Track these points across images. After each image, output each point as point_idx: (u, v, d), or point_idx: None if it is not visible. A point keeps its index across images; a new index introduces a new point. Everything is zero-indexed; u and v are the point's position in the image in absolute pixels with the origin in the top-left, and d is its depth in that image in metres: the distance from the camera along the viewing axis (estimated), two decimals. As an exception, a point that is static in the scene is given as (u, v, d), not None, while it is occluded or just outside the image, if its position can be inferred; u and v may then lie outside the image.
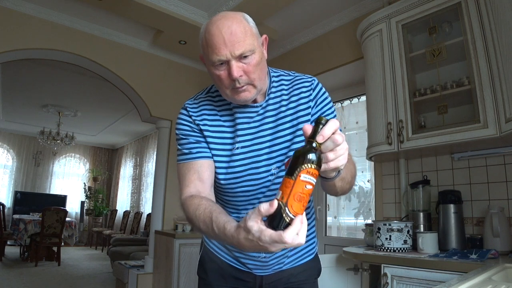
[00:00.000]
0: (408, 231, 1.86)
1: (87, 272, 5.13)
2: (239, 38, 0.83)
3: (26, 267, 5.26)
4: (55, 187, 8.72)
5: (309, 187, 0.63)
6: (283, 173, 0.87)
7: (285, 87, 1.00)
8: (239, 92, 0.89)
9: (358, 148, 2.94)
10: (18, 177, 8.18)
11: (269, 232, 0.63)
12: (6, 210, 6.99)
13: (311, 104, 0.98)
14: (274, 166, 0.96)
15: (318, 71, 3.09)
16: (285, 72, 1.05)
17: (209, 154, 0.98)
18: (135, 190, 7.77)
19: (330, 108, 1.01)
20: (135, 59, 3.62)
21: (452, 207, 1.92)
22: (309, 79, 1.02)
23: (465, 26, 1.87)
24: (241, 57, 0.85)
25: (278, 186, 0.89)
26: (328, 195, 3.19)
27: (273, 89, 1.00)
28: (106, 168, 9.59)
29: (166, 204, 3.69)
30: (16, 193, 7.92)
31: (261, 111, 0.98)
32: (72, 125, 7.18)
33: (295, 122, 0.96)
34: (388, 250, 1.84)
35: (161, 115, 3.76)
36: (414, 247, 1.88)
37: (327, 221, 3.15)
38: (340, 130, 0.70)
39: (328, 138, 0.66)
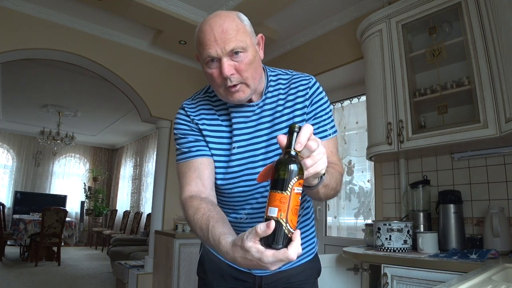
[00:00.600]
0: (408, 231, 1.86)
1: (87, 272, 5.13)
2: (230, 35, 0.83)
3: (26, 267, 5.26)
4: (55, 187, 8.72)
5: (300, 198, 0.63)
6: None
7: (283, 86, 1.00)
8: (233, 93, 0.87)
9: (358, 148, 2.94)
10: (18, 177, 8.18)
11: (271, 253, 0.61)
12: (6, 210, 6.98)
13: (307, 103, 0.97)
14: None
15: (318, 71, 3.09)
16: (283, 71, 1.04)
17: (209, 153, 0.97)
18: (135, 190, 7.77)
19: (324, 109, 0.99)
20: (135, 59, 3.62)
21: (452, 207, 1.92)
22: (307, 78, 1.01)
23: (465, 26, 1.87)
24: (233, 55, 0.84)
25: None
26: (328, 195, 3.18)
27: (270, 88, 0.99)
28: (106, 168, 9.59)
29: (166, 204, 3.69)
30: (16, 193, 7.92)
31: (258, 111, 0.97)
32: (72, 125, 7.18)
33: (291, 122, 0.95)
34: (388, 250, 1.84)
35: (161, 115, 3.76)
36: (414, 247, 1.88)
37: (327, 221, 3.15)
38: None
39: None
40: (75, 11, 3.14)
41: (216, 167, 0.97)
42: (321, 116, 0.98)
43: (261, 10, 2.83)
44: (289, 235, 0.61)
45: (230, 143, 0.97)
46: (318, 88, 1.00)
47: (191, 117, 0.99)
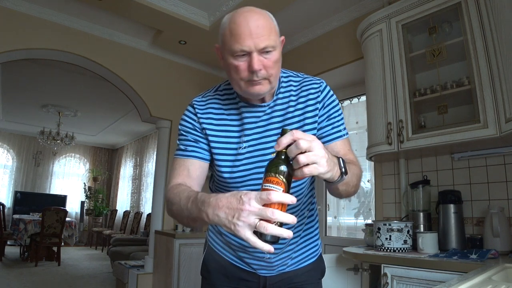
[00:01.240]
0: (408, 231, 1.86)
1: (87, 272, 5.13)
2: (264, 32, 0.84)
3: (26, 267, 5.26)
4: (55, 187, 8.72)
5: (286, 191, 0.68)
6: None
7: (294, 88, 1.01)
8: (254, 85, 0.88)
9: (358, 148, 2.94)
10: (18, 177, 8.18)
11: (257, 208, 0.65)
12: (6, 210, 6.98)
13: (319, 106, 0.99)
14: None
15: (318, 71, 3.09)
16: (294, 74, 1.05)
17: (204, 155, 0.99)
18: (135, 190, 7.77)
19: (337, 111, 1.02)
20: (135, 59, 3.62)
21: (452, 207, 1.92)
22: (318, 81, 1.03)
23: (465, 26, 1.87)
24: (263, 52, 0.85)
25: None
26: (328, 195, 3.19)
27: (282, 89, 1.00)
28: (106, 168, 9.59)
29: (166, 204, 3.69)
30: (16, 193, 7.92)
31: (269, 111, 0.98)
32: (72, 125, 7.18)
33: (301, 124, 0.97)
34: (388, 250, 1.84)
35: (161, 115, 3.76)
36: (414, 247, 1.88)
37: (327, 221, 3.15)
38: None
39: (290, 144, 0.69)
40: (75, 11, 3.14)
41: (221, 166, 0.98)
42: (334, 117, 1.00)
43: (261, 10, 2.83)
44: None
45: (237, 142, 0.98)
46: (329, 91, 1.03)
47: (198, 115, 1.00)
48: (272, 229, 0.65)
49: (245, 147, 0.97)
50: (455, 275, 1.41)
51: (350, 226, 2.98)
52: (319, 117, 0.99)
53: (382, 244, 1.89)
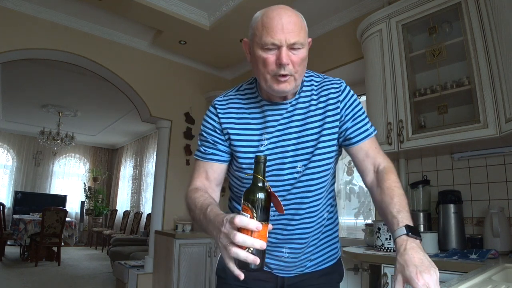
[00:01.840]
0: (408, 231, 1.85)
1: (87, 272, 5.13)
2: (296, 28, 0.87)
3: (26, 267, 5.26)
4: (55, 187, 8.71)
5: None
6: (308, 171, 0.97)
7: (315, 87, 1.03)
8: (280, 82, 0.90)
9: (358, 148, 2.93)
10: (18, 177, 8.18)
11: (242, 236, 0.69)
12: (6, 210, 6.98)
13: (340, 105, 1.00)
14: (300, 164, 0.97)
15: (318, 71, 3.07)
16: (315, 74, 1.07)
17: (222, 157, 1.02)
18: (135, 190, 7.77)
19: (360, 109, 1.03)
20: (135, 59, 3.62)
21: (452, 207, 1.92)
22: (338, 81, 1.04)
23: (465, 26, 1.87)
24: (292, 47, 0.87)
25: (302, 184, 0.97)
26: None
27: (304, 88, 1.02)
28: (106, 168, 9.59)
29: (166, 204, 3.69)
30: (16, 193, 7.92)
31: (290, 109, 0.99)
32: (72, 125, 7.18)
33: (321, 123, 0.98)
34: (388, 250, 1.84)
35: (161, 115, 3.76)
36: (414, 247, 1.87)
37: (327, 221, 3.14)
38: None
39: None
40: (75, 11, 3.14)
41: (244, 163, 1.00)
42: (359, 116, 1.02)
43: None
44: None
45: (258, 140, 0.99)
46: (349, 91, 1.04)
47: (220, 115, 1.02)
48: (236, 253, 0.68)
49: (266, 144, 0.98)
50: (455, 275, 1.41)
51: (350, 226, 2.98)
52: (342, 117, 1.00)
53: (382, 244, 1.88)
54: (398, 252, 0.72)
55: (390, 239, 1.85)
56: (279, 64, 0.87)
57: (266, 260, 1.02)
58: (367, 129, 1.02)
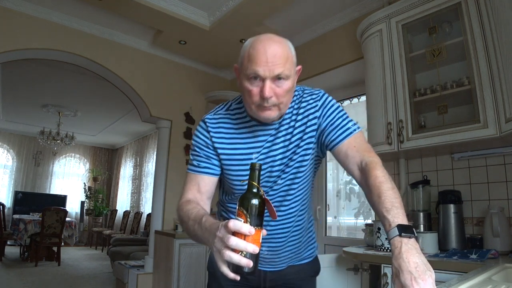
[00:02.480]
0: (408, 231, 1.85)
1: (87, 272, 5.13)
2: (280, 61, 0.90)
3: (26, 267, 5.26)
4: (55, 187, 8.71)
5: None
6: (288, 178, 1.04)
7: (296, 102, 1.06)
8: (264, 110, 0.94)
9: (358, 148, 2.93)
10: (18, 177, 8.18)
11: (235, 239, 0.71)
12: (6, 210, 6.98)
13: (317, 114, 1.03)
14: (282, 174, 1.04)
15: (318, 71, 3.09)
16: (297, 87, 1.09)
17: (214, 171, 1.07)
18: (135, 190, 7.77)
19: (338, 113, 1.04)
20: (135, 59, 3.62)
21: (452, 207, 1.92)
22: (316, 92, 1.08)
23: (465, 26, 1.87)
24: (276, 79, 0.90)
25: (282, 190, 1.06)
26: (328, 195, 3.19)
27: (288, 106, 1.05)
28: (106, 168, 9.59)
29: (166, 204, 3.69)
30: (16, 193, 7.92)
31: (277, 126, 1.05)
32: (72, 125, 7.18)
33: (303, 134, 1.03)
34: (388, 250, 1.84)
35: (161, 115, 3.76)
36: (414, 247, 1.87)
37: (327, 221, 3.15)
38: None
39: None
40: (75, 11, 3.14)
41: (234, 180, 1.06)
42: (337, 120, 1.03)
43: (261, 10, 2.83)
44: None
45: (248, 159, 1.04)
46: (327, 98, 1.06)
47: (211, 133, 1.06)
48: (229, 256, 0.70)
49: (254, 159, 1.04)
50: (455, 275, 1.41)
51: (350, 226, 2.98)
52: (321, 125, 1.03)
53: (382, 244, 1.89)
54: (393, 255, 0.71)
55: (390, 239, 1.85)
56: (262, 97, 0.90)
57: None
58: (349, 128, 1.02)
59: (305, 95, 1.07)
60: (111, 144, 9.55)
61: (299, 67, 1.01)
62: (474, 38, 1.83)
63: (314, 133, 1.03)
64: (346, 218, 3.02)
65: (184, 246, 3.25)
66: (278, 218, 1.06)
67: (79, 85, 5.07)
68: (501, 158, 1.93)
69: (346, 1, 2.79)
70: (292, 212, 1.09)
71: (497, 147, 1.90)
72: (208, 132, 1.06)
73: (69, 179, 8.98)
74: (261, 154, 1.03)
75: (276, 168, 1.03)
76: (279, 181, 1.05)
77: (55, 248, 5.86)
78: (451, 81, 1.98)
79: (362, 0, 2.75)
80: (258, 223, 0.73)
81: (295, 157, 1.03)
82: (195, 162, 1.07)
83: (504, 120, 1.65)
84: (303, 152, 1.03)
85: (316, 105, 1.04)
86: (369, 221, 2.60)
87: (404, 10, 2.17)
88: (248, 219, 0.72)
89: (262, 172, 1.02)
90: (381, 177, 0.86)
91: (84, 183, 8.96)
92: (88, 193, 8.74)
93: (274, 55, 0.89)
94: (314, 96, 1.06)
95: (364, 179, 0.91)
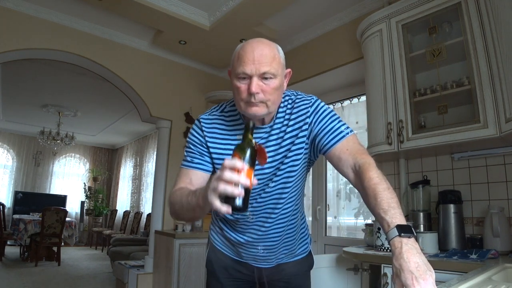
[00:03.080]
0: (408, 231, 1.85)
1: (87, 272, 5.13)
2: (267, 60, 0.95)
3: (26, 267, 5.26)
4: (55, 187, 8.71)
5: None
6: (281, 181, 1.08)
7: (289, 106, 1.10)
8: (252, 106, 0.98)
9: (358, 148, 2.93)
10: (18, 177, 8.18)
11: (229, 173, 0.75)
12: (6, 210, 6.98)
13: (308, 120, 1.06)
14: (274, 177, 1.08)
15: (318, 71, 3.09)
16: (290, 92, 1.14)
17: (207, 168, 1.11)
18: (135, 190, 7.77)
19: (330, 118, 1.06)
20: (135, 59, 3.62)
21: (452, 207, 1.92)
22: (308, 98, 1.10)
23: (465, 26, 1.87)
24: (263, 77, 0.95)
25: (272, 188, 1.10)
26: (328, 195, 3.19)
27: (280, 110, 1.09)
28: (106, 168, 9.59)
29: (166, 204, 3.69)
30: (16, 193, 7.92)
31: (268, 129, 1.08)
32: (72, 125, 7.18)
33: (294, 139, 1.06)
34: (388, 250, 1.84)
35: (161, 115, 3.76)
36: (414, 247, 1.87)
37: (327, 221, 3.15)
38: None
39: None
40: (75, 11, 3.14)
41: None
42: (329, 124, 1.05)
43: (261, 10, 2.83)
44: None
45: None
46: (318, 104, 1.09)
47: (205, 132, 1.11)
48: (224, 188, 0.74)
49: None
50: (455, 275, 1.41)
51: (350, 226, 2.98)
52: (313, 131, 1.06)
53: (382, 244, 1.89)
54: (394, 255, 0.71)
55: (390, 239, 1.85)
56: (250, 93, 0.95)
57: (243, 254, 1.19)
58: (341, 132, 1.03)
59: (297, 100, 1.10)
60: (111, 144, 9.55)
61: (289, 70, 1.06)
62: (474, 38, 1.83)
63: (305, 138, 1.06)
64: (346, 218, 3.03)
65: (184, 246, 3.25)
66: (272, 219, 1.11)
67: (79, 85, 5.06)
68: (501, 158, 1.93)
69: (346, 1, 2.79)
70: (286, 213, 1.13)
71: (497, 147, 1.90)
72: (202, 131, 1.11)
73: (69, 179, 8.98)
74: None
75: (266, 170, 1.07)
76: (271, 184, 1.08)
77: (55, 248, 5.86)
78: (451, 81, 1.98)
79: (362, 0, 2.75)
80: (251, 163, 0.80)
81: (286, 160, 1.06)
82: (188, 158, 1.12)
83: (504, 120, 1.65)
84: (294, 157, 1.06)
85: (308, 111, 1.07)
86: (369, 221, 2.60)
87: (404, 10, 2.17)
88: (242, 159, 0.78)
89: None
90: (376, 178, 0.87)
91: (84, 183, 8.96)
92: (88, 193, 8.74)
93: (261, 54, 0.95)
94: (306, 102, 1.08)
95: (359, 181, 0.92)
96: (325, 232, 3.13)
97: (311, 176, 3.28)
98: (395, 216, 0.77)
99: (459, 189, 2.03)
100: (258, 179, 1.07)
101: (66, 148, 7.32)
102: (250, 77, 0.95)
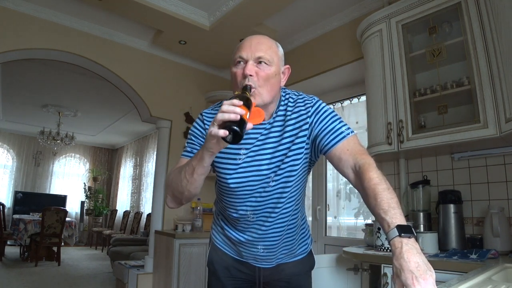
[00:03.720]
0: (408, 231, 1.85)
1: (87, 272, 5.13)
2: (263, 47, 1.01)
3: (26, 267, 5.26)
4: (55, 187, 8.71)
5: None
6: (281, 181, 1.08)
7: (291, 105, 1.10)
8: None
9: (358, 148, 2.93)
10: (18, 177, 8.18)
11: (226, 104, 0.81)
12: (6, 210, 6.98)
13: (309, 120, 1.06)
14: (273, 175, 1.08)
15: (318, 71, 3.09)
16: (292, 92, 1.15)
17: None
18: (135, 190, 7.77)
19: (331, 118, 1.06)
20: (135, 59, 3.62)
21: (452, 207, 1.92)
22: (310, 98, 1.11)
23: (465, 26, 1.87)
24: (258, 61, 0.99)
25: (276, 190, 1.09)
26: (328, 195, 3.19)
27: (281, 108, 1.10)
28: (106, 168, 9.59)
29: (166, 204, 3.68)
30: (16, 193, 7.92)
31: (268, 126, 1.09)
32: (72, 125, 7.18)
33: (294, 138, 1.06)
34: (388, 250, 1.84)
35: (161, 115, 3.76)
36: (414, 247, 1.87)
37: (327, 221, 3.15)
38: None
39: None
40: (75, 11, 3.14)
41: (224, 173, 1.10)
42: (330, 124, 1.05)
43: (261, 10, 2.83)
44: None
45: (236, 154, 1.09)
46: (320, 105, 1.09)
47: (206, 125, 1.12)
48: (222, 115, 0.79)
49: (243, 158, 1.08)
50: (455, 275, 1.41)
51: (350, 226, 2.98)
52: (313, 131, 1.06)
53: (382, 244, 1.89)
54: (394, 255, 0.72)
55: (390, 239, 1.85)
56: (244, 76, 0.98)
57: (244, 254, 1.20)
58: (342, 132, 1.02)
59: (299, 100, 1.11)
60: (111, 144, 9.55)
61: (287, 66, 1.09)
62: (474, 38, 1.83)
63: (305, 138, 1.06)
64: (346, 218, 3.03)
65: (184, 246, 3.25)
66: (272, 219, 1.11)
67: (79, 85, 5.06)
68: (501, 158, 1.93)
69: (346, 1, 2.79)
70: (286, 213, 1.13)
71: (497, 147, 1.90)
72: (204, 124, 1.13)
73: (69, 179, 8.98)
74: (250, 152, 1.07)
75: (265, 167, 1.07)
76: (272, 183, 1.08)
77: (55, 248, 5.86)
78: (451, 81, 1.98)
79: (362, 0, 2.75)
80: (247, 105, 0.84)
81: (286, 160, 1.06)
82: (188, 149, 1.14)
83: (504, 120, 1.65)
84: (294, 156, 1.06)
85: (309, 111, 1.07)
86: (369, 221, 2.60)
87: (404, 10, 2.17)
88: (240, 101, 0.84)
89: (249, 169, 1.08)
90: (376, 178, 0.87)
91: (84, 183, 8.96)
92: (88, 193, 8.74)
93: (258, 42, 1.01)
94: (307, 102, 1.09)
95: (359, 181, 0.92)
96: (325, 232, 3.13)
97: (311, 176, 3.28)
98: (395, 216, 0.77)
99: (459, 189, 2.03)
100: (259, 179, 1.07)
101: (66, 148, 7.33)
102: (246, 62, 0.99)
